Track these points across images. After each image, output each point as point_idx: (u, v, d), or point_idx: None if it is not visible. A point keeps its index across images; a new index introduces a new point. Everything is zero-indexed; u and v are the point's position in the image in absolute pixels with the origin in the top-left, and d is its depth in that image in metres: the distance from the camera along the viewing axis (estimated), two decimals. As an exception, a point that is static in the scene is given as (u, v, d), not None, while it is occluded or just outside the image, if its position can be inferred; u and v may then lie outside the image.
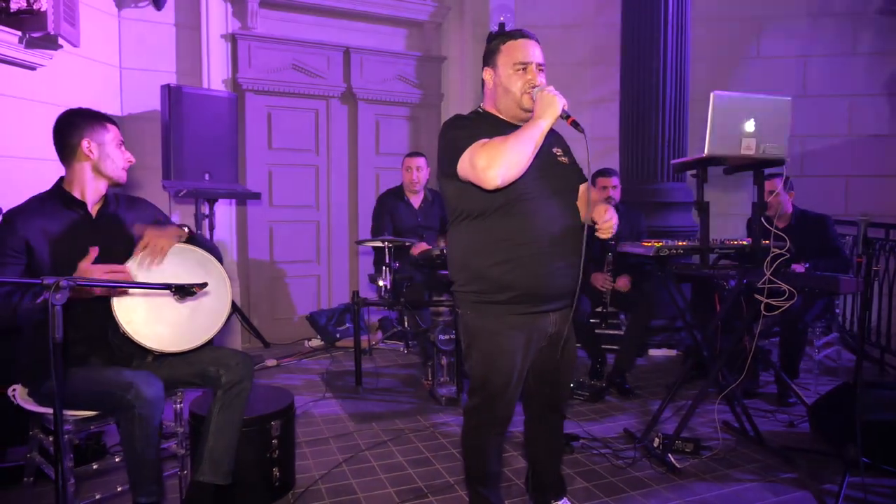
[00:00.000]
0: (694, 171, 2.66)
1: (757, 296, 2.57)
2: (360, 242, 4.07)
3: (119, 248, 2.04)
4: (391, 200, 4.40)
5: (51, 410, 1.92)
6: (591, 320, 3.83)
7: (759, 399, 3.57)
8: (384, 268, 3.83)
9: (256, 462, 2.28)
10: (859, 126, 5.33)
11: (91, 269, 1.84)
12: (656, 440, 2.85)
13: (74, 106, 2.12)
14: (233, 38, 4.73)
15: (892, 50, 5.24)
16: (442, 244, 3.95)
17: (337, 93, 5.19)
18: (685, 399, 3.33)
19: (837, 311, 3.98)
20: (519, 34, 1.95)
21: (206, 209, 4.19)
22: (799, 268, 3.41)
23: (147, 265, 2.01)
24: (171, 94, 3.94)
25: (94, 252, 1.86)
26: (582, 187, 2.04)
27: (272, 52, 4.87)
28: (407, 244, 3.91)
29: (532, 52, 1.91)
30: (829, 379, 3.90)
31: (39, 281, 1.45)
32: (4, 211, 2.06)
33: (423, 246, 3.95)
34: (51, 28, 3.27)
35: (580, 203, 2.01)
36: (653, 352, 4.61)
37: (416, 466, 2.75)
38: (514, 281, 1.87)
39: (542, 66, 1.94)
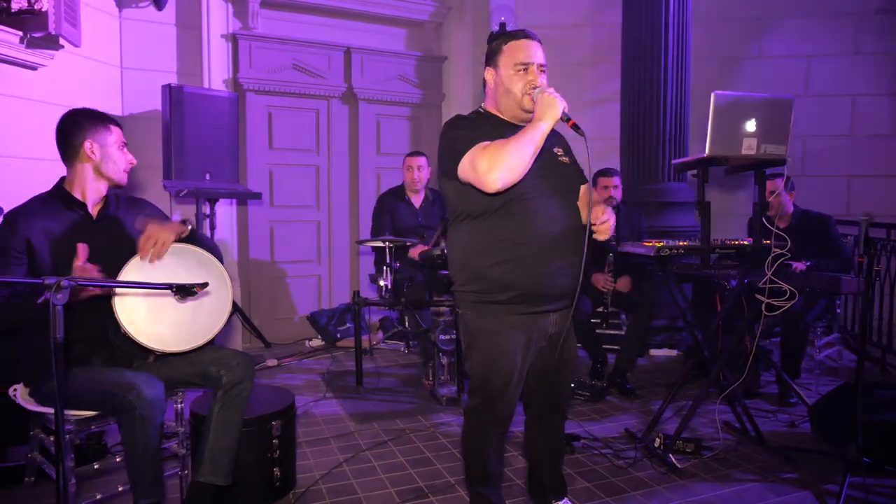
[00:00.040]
0: (695, 171, 2.66)
1: (758, 296, 2.57)
2: (360, 242, 4.07)
3: (120, 248, 2.04)
4: (392, 200, 4.40)
5: (52, 410, 1.92)
6: (592, 320, 3.83)
7: (760, 399, 3.56)
8: (385, 268, 3.84)
9: (257, 462, 2.28)
10: (861, 126, 5.32)
11: (87, 269, 1.84)
12: (657, 440, 2.85)
13: (75, 106, 2.12)
14: (233, 38, 4.74)
15: (895, 50, 5.23)
16: (442, 244, 3.95)
17: (338, 93, 5.19)
18: (686, 399, 3.33)
19: (839, 311, 3.97)
20: (521, 34, 1.94)
21: (206, 209, 4.20)
22: (801, 265, 3.41)
23: (150, 260, 2.00)
24: (172, 94, 3.94)
25: (83, 249, 1.85)
26: (583, 188, 2.04)
27: (273, 52, 4.87)
28: (408, 244, 3.91)
29: (533, 52, 1.91)
30: (831, 379, 3.90)
31: (41, 281, 1.46)
32: (6, 211, 2.06)
33: (421, 248, 3.97)
34: (52, 28, 3.27)
35: (581, 204, 2.01)
36: (654, 352, 4.61)
37: (416, 466, 2.75)
38: (515, 281, 1.87)
39: (544, 66, 1.93)
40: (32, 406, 2.03)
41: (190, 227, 2.14)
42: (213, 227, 4.21)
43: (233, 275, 4.62)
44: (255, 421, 2.27)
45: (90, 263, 1.85)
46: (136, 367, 2.11)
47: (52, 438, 2.08)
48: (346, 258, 5.37)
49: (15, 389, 2.12)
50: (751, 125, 2.40)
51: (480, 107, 2.05)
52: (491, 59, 1.97)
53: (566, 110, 1.82)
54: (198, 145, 4.04)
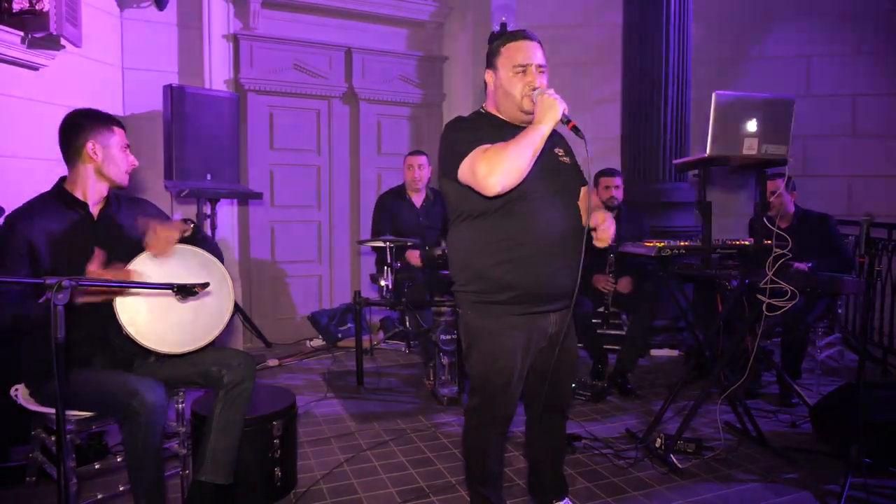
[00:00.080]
0: (696, 171, 2.66)
1: (759, 296, 2.57)
2: (361, 242, 4.07)
3: (121, 248, 2.04)
4: (392, 200, 4.40)
5: (53, 410, 1.92)
6: (594, 321, 3.83)
7: (762, 399, 3.56)
8: (386, 268, 3.84)
9: (258, 462, 2.29)
10: (862, 126, 5.31)
11: (102, 274, 1.84)
12: (658, 440, 2.85)
13: (76, 106, 2.12)
14: (234, 38, 4.74)
15: (895, 50, 5.23)
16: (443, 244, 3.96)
17: (338, 93, 5.20)
18: (687, 399, 3.32)
19: (840, 311, 3.97)
20: (520, 35, 1.94)
21: (207, 209, 4.20)
22: (802, 266, 3.40)
23: (154, 258, 2.00)
24: (174, 95, 3.94)
25: (99, 254, 1.86)
26: (583, 190, 2.04)
27: (274, 52, 4.88)
28: (409, 244, 3.91)
29: (532, 53, 1.90)
30: (832, 379, 3.90)
31: (41, 280, 1.46)
32: (7, 211, 2.06)
33: (416, 254, 3.98)
34: (53, 28, 3.27)
35: (581, 204, 2.01)
36: (655, 352, 4.61)
37: (417, 466, 2.75)
38: (515, 281, 1.87)
39: (543, 67, 1.92)
40: (33, 406, 2.04)
41: (192, 226, 2.15)
42: (214, 228, 4.21)
43: (234, 275, 4.62)
44: (257, 421, 2.27)
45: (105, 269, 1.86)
46: (137, 367, 2.12)
47: (53, 438, 2.08)
48: (347, 258, 5.38)
49: (16, 389, 2.12)
50: (752, 125, 2.40)
51: (481, 107, 2.05)
52: (490, 61, 1.97)
53: (566, 112, 1.81)
54: (199, 145, 4.04)
